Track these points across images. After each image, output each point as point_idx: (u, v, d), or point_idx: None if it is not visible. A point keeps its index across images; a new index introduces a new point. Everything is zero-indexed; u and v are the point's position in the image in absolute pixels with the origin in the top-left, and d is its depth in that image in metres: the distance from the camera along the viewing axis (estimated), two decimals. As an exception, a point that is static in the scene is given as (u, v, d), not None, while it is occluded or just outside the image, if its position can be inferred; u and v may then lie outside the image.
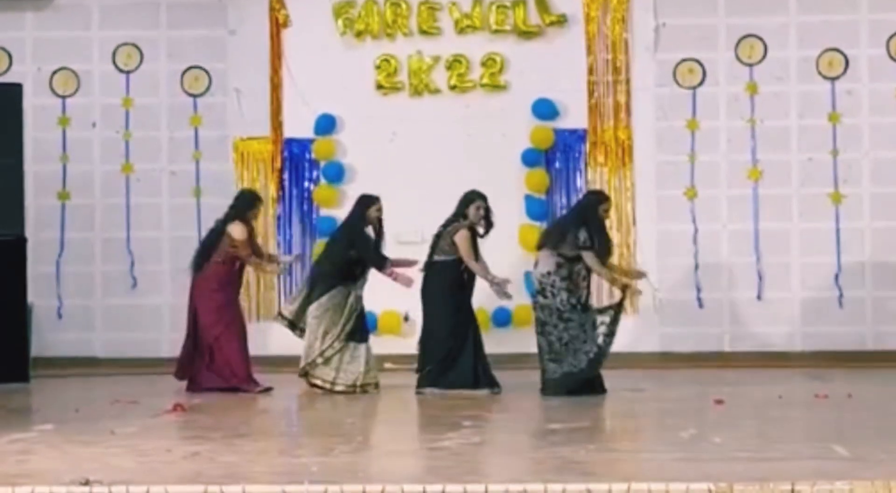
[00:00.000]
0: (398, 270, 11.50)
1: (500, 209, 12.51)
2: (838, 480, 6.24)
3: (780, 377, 12.16)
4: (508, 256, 13.40)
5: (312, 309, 11.47)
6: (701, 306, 13.86)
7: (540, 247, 11.33)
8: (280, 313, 11.90)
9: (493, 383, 11.31)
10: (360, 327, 11.55)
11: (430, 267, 11.48)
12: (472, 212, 11.48)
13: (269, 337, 12.99)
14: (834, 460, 7.16)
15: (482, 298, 12.64)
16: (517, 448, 8.28)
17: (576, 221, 11.20)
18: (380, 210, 11.64)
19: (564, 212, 13.30)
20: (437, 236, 11.51)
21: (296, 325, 11.64)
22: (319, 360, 11.40)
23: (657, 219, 13.82)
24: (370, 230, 11.62)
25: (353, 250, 11.52)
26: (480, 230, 11.54)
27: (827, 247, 13.73)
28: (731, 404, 10.18)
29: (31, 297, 13.04)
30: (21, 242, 12.58)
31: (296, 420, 10.45)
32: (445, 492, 6.19)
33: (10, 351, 12.28)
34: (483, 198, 11.54)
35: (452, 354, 11.28)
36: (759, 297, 13.82)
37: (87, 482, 6.33)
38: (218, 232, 11.77)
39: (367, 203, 11.69)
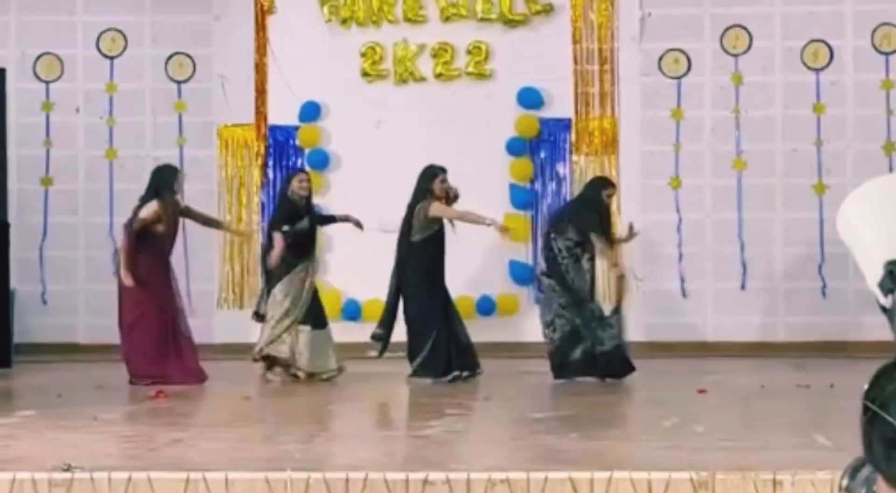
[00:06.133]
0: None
1: (485, 198, 12.52)
2: (820, 470, 6.24)
3: (762, 367, 12.17)
4: (492, 244, 13.39)
5: (275, 294, 11.20)
6: (684, 295, 13.87)
7: (548, 232, 11.43)
8: (254, 313, 11.75)
9: (469, 366, 11.26)
10: (317, 311, 11.38)
11: (408, 249, 11.33)
12: (437, 186, 11.38)
13: (238, 325, 12.91)
14: (816, 449, 7.17)
15: (466, 286, 12.64)
16: (500, 437, 8.29)
17: (581, 206, 11.43)
18: (302, 181, 11.47)
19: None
20: (408, 217, 11.39)
21: (264, 316, 11.44)
22: (272, 344, 11.14)
23: (641, 209, 13.82)
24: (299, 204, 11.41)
25: (296, 224, 11.33)
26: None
27: (810, 237, 13.75)
28: (714, 393, 10.19)
29: (14, 282, 13.01)
30: (4, 228, 12.56)
31: (278, 407, 10.43)
32: (428, 480, 6.19)
33: (-8, 337, 12.28)
34: (444, 170, 11.46)
35: (440, 339, 11.18)
36: (742, 287, 13.83)
37: (69, 468, 6.31)
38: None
39: (289, 177, 11.72)
